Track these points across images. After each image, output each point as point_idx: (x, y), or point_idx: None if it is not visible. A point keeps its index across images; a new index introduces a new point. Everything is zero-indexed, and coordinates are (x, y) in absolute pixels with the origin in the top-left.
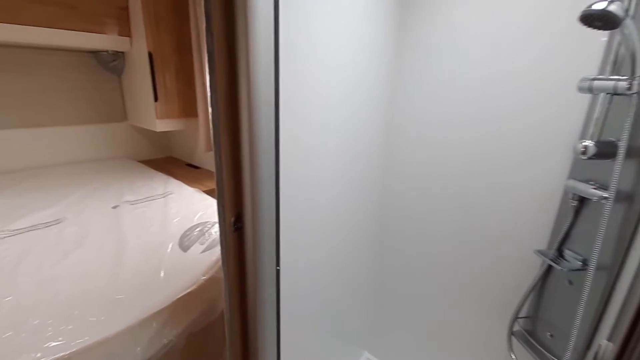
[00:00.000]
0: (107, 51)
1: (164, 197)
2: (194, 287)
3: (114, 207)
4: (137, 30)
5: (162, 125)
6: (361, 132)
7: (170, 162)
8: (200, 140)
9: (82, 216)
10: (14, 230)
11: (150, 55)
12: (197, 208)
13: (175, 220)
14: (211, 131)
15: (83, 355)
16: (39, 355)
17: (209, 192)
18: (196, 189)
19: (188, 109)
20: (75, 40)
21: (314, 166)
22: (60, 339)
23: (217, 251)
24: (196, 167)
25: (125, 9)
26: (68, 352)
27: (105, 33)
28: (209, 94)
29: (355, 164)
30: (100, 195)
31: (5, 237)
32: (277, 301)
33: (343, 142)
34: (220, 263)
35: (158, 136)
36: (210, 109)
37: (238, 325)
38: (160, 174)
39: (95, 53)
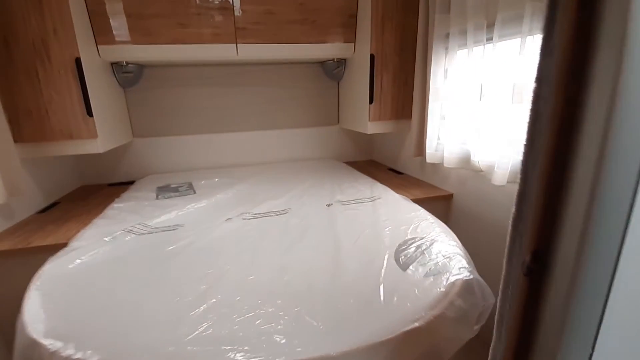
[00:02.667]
0: (332, 59)
1: (372, 201)
2: (421, 322)
3: (328, 205)
4: (361, 35)
5: (373, 128)
6: None
7: (373, 165)
8: (410, 144)
9: (302, 210)
10: (255, 214)
11: (372, 57)
12: (408, 218)
13: (386, 230)
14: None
15: None
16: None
17: (417, 202)
18: (403, 196)
19: (400, 111)
20: (310, 53)
21: None
22: (282, 339)
23: (443, 281)
24: (399, 173)
25: (354, 16)
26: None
27: (333, 42)
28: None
29: None
30: (316, 192)
31: (250, 218)
32: None
33: None
34: (450, 298)
35: (363, 140)
36: (531, 105)
37: None
38: (365, 176)
39: (322, 62)
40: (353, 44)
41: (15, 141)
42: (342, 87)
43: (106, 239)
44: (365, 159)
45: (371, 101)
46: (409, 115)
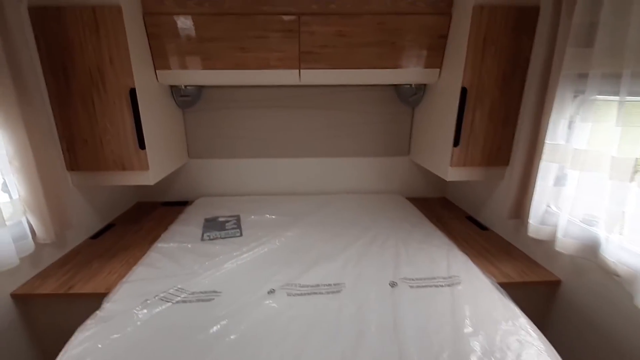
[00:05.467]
0: (410, 85)
1: (449, 285)
2: None
3: (392, 286)
4: (451, 60)
5: (455, 174)
6: None
7: (447, 207)
8: (504, 198)
9: (359, 287)
10: (302, 288)
11: (463, 90)
12: (503, 332)
13: (474, 344)
14: None
15: None
16: None
17: (509, 286)
18: (491, 280)
19: (493, 156)
20: (384, 78)
21: None
22: None
23: None
24: (482, 227)
25: (445, 37)
26: None
27: (414, 67)
28: None
29: None
30: (377, 254)
31: (296, 294)
32: None
33: None
34: None
35: (431, 173)
36: None
37: None
38: (438, 232)
39: (397, 86)
40: (438, 70)
41: (71, 170)
42: (419, 115)
43: (137, 311)
44: (437, 196)
45: (456, 143)
46: (504, 162)
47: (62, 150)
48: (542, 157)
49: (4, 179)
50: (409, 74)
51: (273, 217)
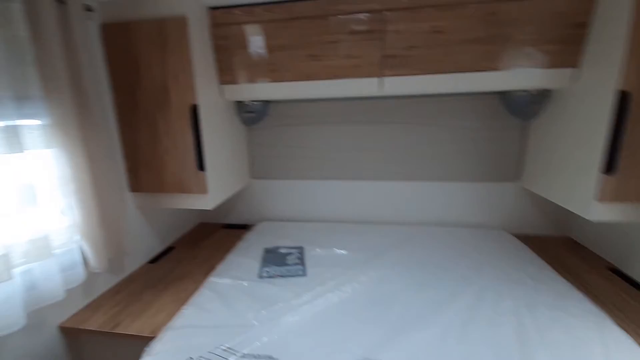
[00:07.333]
0: (526, 91)
1: None
2: None
3: None
4: (597, 55)
5: (603, 212)
6: None
7: (574, 251)
8: None
9: None
10: None
11: (622, 95)
12: None
13: None
14: None
15: None
16: None
17: None
18: None
19: None
20: (492, 84)
21: None
22: None
23: None
24: (636, 285)
25: (584, 25)
26: None
27: (536, 67)
28: None
29: None
30: (490, 318)
31: None
32: None
33: None
34: None
35: (555, 205)
36: None
37: None
38: (575, 292)
39: (505, 94)
40: (574, 69)
41: (134, 191)
42: (538, 130)
43: None
44: (558, 235)
45: (609, 168)
46: None
47: (126, 170)
48: None
49: (64, 202)
50: (528, 76)
51: (343, 252)
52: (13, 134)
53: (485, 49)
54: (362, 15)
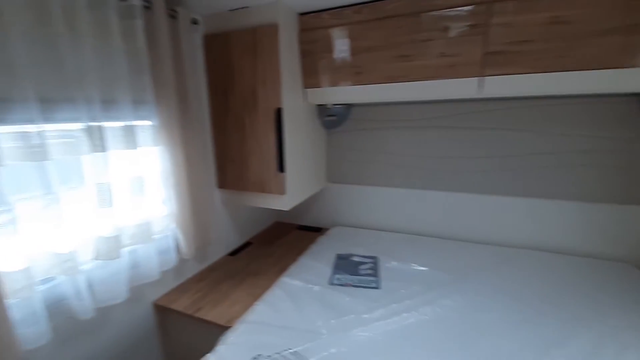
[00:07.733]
0: None
1: None
2: None
3: None
4: None
5: None
6: None
7: None
8: None
9: None
10: None
11: None
12: None
13: None
14: None
15: None
16: None
17: None
18: None
19: None
20: (626, 84)
21: None
22: None
23: None
24: None
25: None
26: None
27: None
28: None
29: None
30: None
31: None
32: None
33: None
34: None
35: None
36: None
37: None
38: None
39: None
40: None
41: (220, 187)
42: None
43: None
44: None
45: None
46: None
47: (215, 168)
48: None
49: (164, 194)
50: None
51: (423, 269)
52: (130, 132)
53: (622, 41)
54: (463, 9)
